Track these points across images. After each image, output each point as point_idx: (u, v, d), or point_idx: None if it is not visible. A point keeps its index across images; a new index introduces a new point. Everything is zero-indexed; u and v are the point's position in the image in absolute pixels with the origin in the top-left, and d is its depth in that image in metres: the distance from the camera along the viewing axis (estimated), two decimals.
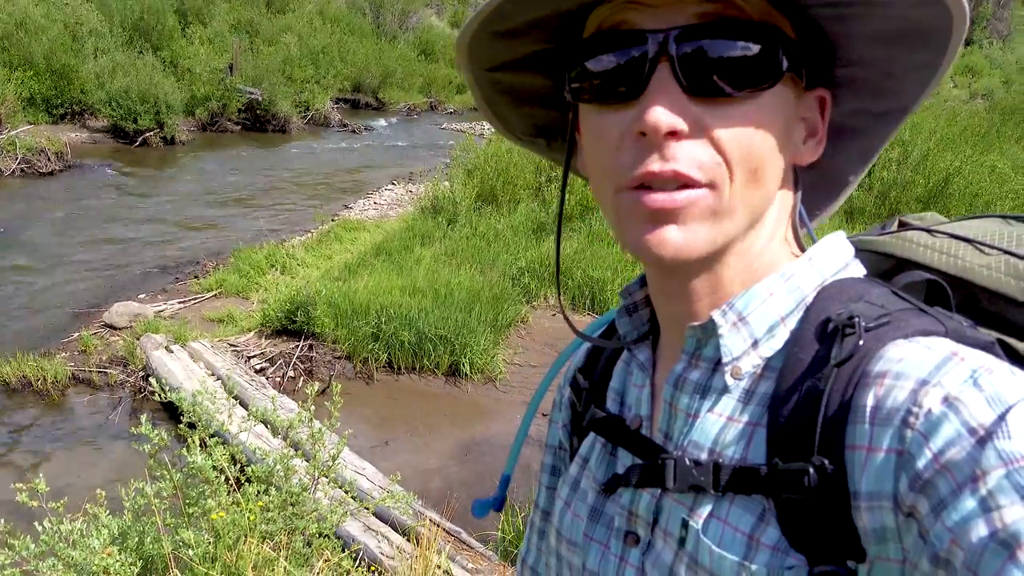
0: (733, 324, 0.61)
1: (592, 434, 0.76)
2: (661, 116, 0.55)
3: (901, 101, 0.64)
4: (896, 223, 0.78)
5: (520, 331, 6.93)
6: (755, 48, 0.57)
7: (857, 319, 0.57)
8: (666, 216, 0.57)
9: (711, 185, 0.57)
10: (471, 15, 0.61)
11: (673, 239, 0.57)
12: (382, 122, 19.40)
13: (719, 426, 0.61)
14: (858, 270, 0.66)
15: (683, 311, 0.65)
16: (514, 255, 7.95)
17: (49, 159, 11.55)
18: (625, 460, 0.69)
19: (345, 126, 18.04)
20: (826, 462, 0.53)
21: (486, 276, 7.42)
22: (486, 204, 9.36)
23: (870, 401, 0.53)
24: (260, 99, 16.15)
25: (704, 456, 0.61)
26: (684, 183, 0.57)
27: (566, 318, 0.80)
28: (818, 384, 0.56)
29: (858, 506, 0.52)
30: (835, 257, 0.65)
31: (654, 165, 0.56)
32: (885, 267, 0.72)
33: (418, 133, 18.58)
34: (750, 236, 0.62)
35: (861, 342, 0.55)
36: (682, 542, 0.61)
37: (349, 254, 8.28)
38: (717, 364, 0.63)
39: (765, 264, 0.64)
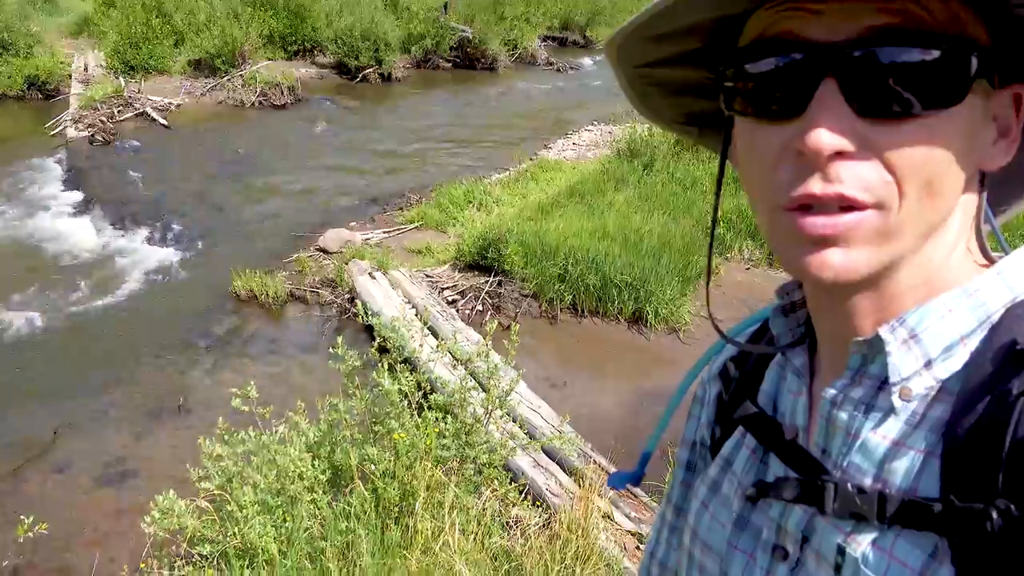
0: (903, 341, 0.55)
1: (736, 435, 0.72)
2: (823, 137, 0.50)
3: None
4: None
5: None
6: (937, 64, 0.50)
7: None
8: (827, 241, 0.53)
9: (878, 206, 0.52)
10: (624, 23, 0.59)
11: (834, 262, 0.53)
12: (588, 61, 19.12)
13: (884, 449, 0.56)
14: None
15: (844, 328, 0.60)
16: (711, 203, 7.64)
17: (283, 93, 12.56)
18: (776, 469, 0.65)
19: (551, 64, 18.03)
20: (1012, 508, 0.48)
21: (679, 224, 7.22)
22: (685, 149, 9.04)
23: None
24: (471, 37, 16.52)
25: (868, 482, 0.56)
26: (848, 205, 0.52)
27: (713, 322, 0.75)
28: (999, 416, 0.49)
29: None
30: None
31: (815, 187, 0.52)
32: None
33: None
34: (927, 248, 0.56)
35: None
36: (838, 569, 0.57)
37: (543, 194, 8.37)
38: (883, 383, 0.57)
39: (945, 278, 0.57)
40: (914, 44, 0.50)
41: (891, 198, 0.52)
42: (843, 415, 0.59)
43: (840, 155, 0.51)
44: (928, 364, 0.55)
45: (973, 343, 0.55)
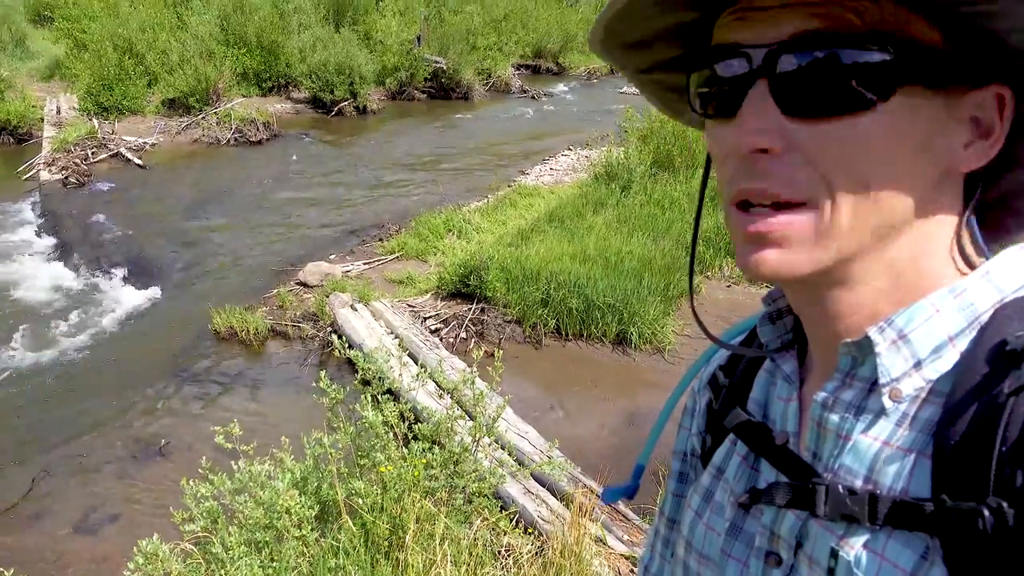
0: (892, 342, 0.56)
1: (727, 443, 0.73)
2: (747, 135, 0.54)
3: None
4: None
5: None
6: (858, 65, 0.52)
7: None
8: (764, 239, 0.55)
9: (810, 204, 0.53)
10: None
11: (770, 260, 0.56)
12: (562, 87, 19.35)
13: (874, 451, 0.56)
14: None
15: (825, 329, 0.61)
16: (689, 223, 7.72)
17: (258, 129, 12.57)
18: (768, 475, 0.65)
19: (525, 92, 18.20)
20: (1004, 505, 0.47)
21: (658, 244, 7.26)
22: (662, 170, 9.12)
23: None
24: (445, 68, 16.65)
25: (859, 483, 0.56)
26: (778, 202, 0.54)
27: (700, 324, 0.76)
28: (990, 415, 0.49)
29: None
30: (1019, 271, 0.57)
31: (745, 182, 0.55)
32: None
33: (597, 98, 18.37)
34: (890, 248, 0.56)
35: None
36: (831, 572, 0.57)
37: (523, 220, 8.40)
38: (873, 384, 0.57)
39: (923, 278, 0.57)
40: (835, 46, 0.52)
41: (821, 197, 0.53)
42: (834, 417, 0.59)
43: (768, 153, 0.54)
44: (918, 365, 0.55)
45: (962, 343, 0.55)
